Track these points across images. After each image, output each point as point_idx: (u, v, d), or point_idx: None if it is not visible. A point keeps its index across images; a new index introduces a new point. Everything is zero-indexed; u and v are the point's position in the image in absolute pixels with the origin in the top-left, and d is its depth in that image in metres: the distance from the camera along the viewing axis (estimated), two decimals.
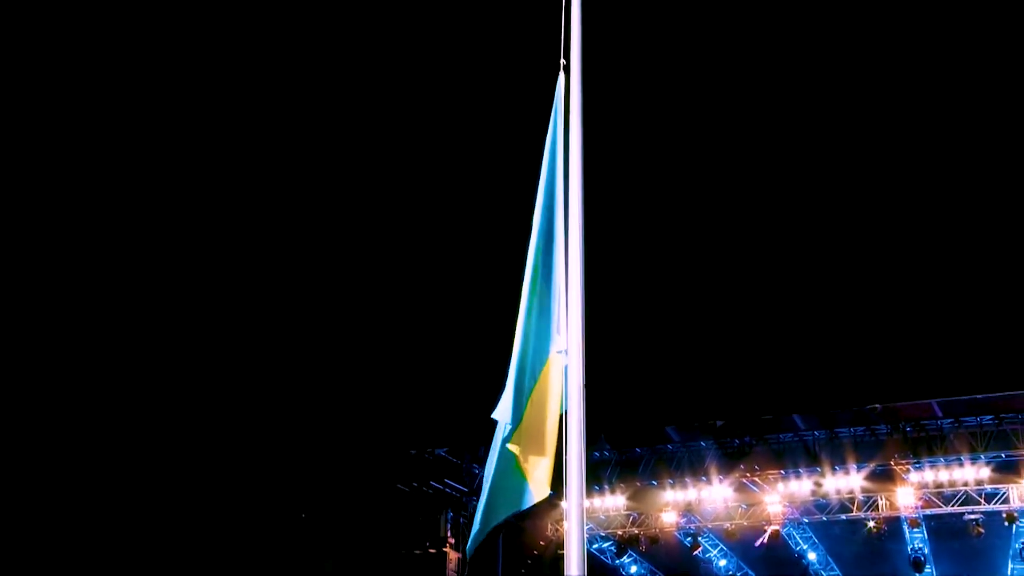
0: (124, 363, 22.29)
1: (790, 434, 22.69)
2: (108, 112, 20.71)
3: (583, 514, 5.18)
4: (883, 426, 21.83)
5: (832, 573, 27.73)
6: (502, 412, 5.46)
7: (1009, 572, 24.96)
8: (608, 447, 23.97)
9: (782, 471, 22.74)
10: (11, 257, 20.61)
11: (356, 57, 20.63)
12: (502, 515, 5.55)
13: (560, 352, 5.43)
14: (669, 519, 23.93)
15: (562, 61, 5.86)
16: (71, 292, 21.63)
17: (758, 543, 24.20)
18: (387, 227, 22.08)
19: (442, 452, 24.16)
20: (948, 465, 21.50)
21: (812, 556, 26.74)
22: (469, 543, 5.68)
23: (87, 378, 21.90)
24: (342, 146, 21.73)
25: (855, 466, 22.05)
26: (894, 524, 23.02)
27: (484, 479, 5.57)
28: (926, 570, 24.40)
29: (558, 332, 5.48)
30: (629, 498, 24.12)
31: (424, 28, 19.63)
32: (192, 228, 22.26)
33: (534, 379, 5.48)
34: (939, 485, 21.66)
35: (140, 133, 21.21)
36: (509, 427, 5.40)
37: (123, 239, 21.94)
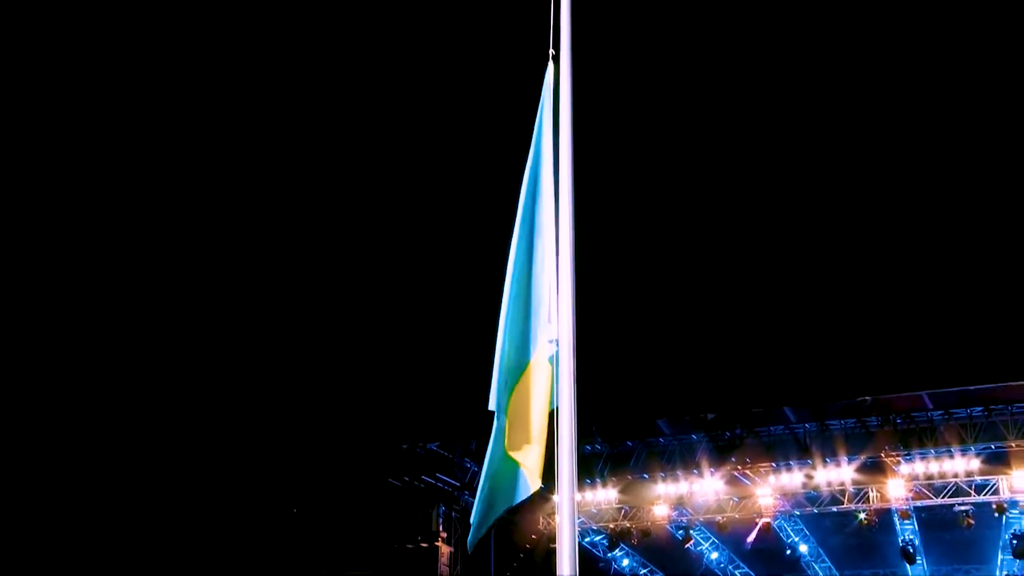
0: (120, 361, 22.22)
1: (781, 427, 22.74)
2: (108, 112, 20.62)
3: (574, 508, 5.15)
4: (873, 418, 21.90)
5: (823, 565, 27.83)
6: (492, 403, 5.44)
7: (999, 563, 25.11)
8: (599, 440, 23.98)
9: (773, 464, 22.81)
10: (11, 257, 20.52)
11: (341, 45, 20.53)
12: (499, 510, 5.51)
13: (551, 341, 5.39)
14: (661, 512, 23.97)
15: (551, 51, 5.83)
16: (63, 291, 21.55)
17: (748, 540, 24.29)
18: (377, 222, 22.02)
19: (434, 446, 24.15)
20: (938, 457, 21.59)
21: (803, 548, 26.82)
22: (470, 538, 5.64)
23: (81, 373, 21.83)
24: (330, 138, 21.65)
25: (846, 458, 22.12)
26: (885, 516, 23.11)
27: (482, 473, 5.53)
28: (917, 561, 24.50)
29: (549, 321, 5.44)
30: (621, 491, 24.15)
31: (411, 17, 19.55)
32: (187, 227, 22.18)
33: (521, 369, 5.45)
34: (929, 477, 21.75)
35: (139, 133, 21.12)
36: (498, 419, 5.37)
37: (121, 239, 21.86)
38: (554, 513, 22.77)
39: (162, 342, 22.50)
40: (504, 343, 5.47)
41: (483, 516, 5.49)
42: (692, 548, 26.27)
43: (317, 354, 22.36)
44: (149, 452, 22.56)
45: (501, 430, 5.39)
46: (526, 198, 5.73)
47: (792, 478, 22.75)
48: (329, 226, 22.21)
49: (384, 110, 21.01)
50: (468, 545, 5.87)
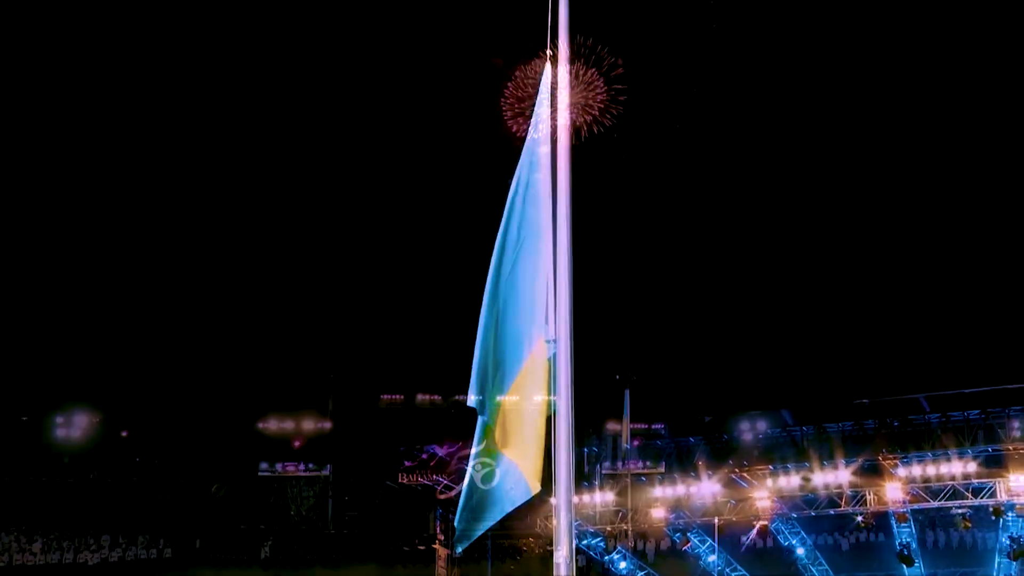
0: (120, 361, 22.20)
1: (779, 429, 22.71)
2: (108, 111, 20.63)
3: (571, 510, 5.10)
4: (871, 421, 21.88)
5: (820, 568, 27.75)
6: (472, 400, 5.38)
7: (996, 565, 25.04)
8: (598, 443, 23.96)
9: (771, 466, 22.76)
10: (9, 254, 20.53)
11: (340, 43, 20.53)
12: (495, 514, 5.43)
13: (549, 341, 5.34)
14: (658, 515, 23.92)
15: (548, 51, 5.81)
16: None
17: (746, 539, 24.22)
18: (376, 231, 22.02)
19: (432, 449, 24.12)
20: (935, 459, 21.54)
21: (800, 551, 26.75)
22: (456, 538, 5.59)
23: (82, 372, 21.80)
24: (328, 137, 21.64)
25: (843, 461, 22.08)
26: (882, 519, 23.06)
27: (468, 475, 5.46)
28: (914, 564, 24.44)
29: (546, 322, 5.39)
30: (618, 494, 24.10)
31: (410, 17, 19.56)
32: (184, 227, 22.16)
33: (517, 368, 5.39)
34: (926, 480, 21.69)
35: (130, 120, 21.12)
36: (481, 417, 5.32)
37: (114, 238, 21.83)
38: (551, 515, 22.73)
39: (161, 341, 22.48)
40: (486, 340, 5.40)
41: (470, 519, 5.42)
42: (689, 550, 26.20)
43: (317, 353, 22.34)
44: (152, 452, 22.53)
45: (486, 428, 5.33)
46: (512, 199, 5.68)
47: (789, 481, 22.70)
48: (328, 234, 22.20)
49: (380, 107, 21.01)
50: (455, 548, 5.83)
